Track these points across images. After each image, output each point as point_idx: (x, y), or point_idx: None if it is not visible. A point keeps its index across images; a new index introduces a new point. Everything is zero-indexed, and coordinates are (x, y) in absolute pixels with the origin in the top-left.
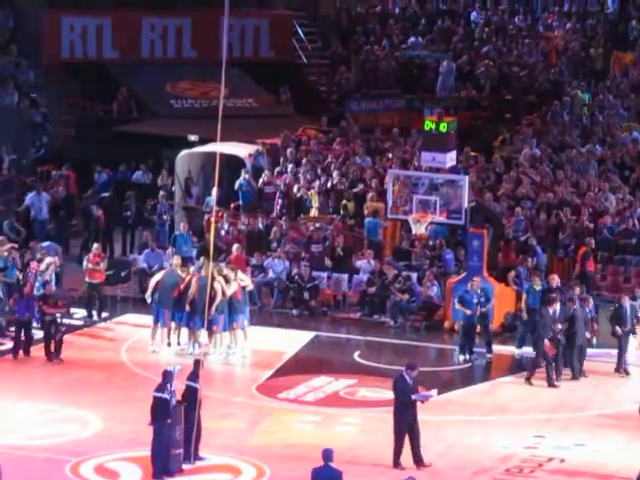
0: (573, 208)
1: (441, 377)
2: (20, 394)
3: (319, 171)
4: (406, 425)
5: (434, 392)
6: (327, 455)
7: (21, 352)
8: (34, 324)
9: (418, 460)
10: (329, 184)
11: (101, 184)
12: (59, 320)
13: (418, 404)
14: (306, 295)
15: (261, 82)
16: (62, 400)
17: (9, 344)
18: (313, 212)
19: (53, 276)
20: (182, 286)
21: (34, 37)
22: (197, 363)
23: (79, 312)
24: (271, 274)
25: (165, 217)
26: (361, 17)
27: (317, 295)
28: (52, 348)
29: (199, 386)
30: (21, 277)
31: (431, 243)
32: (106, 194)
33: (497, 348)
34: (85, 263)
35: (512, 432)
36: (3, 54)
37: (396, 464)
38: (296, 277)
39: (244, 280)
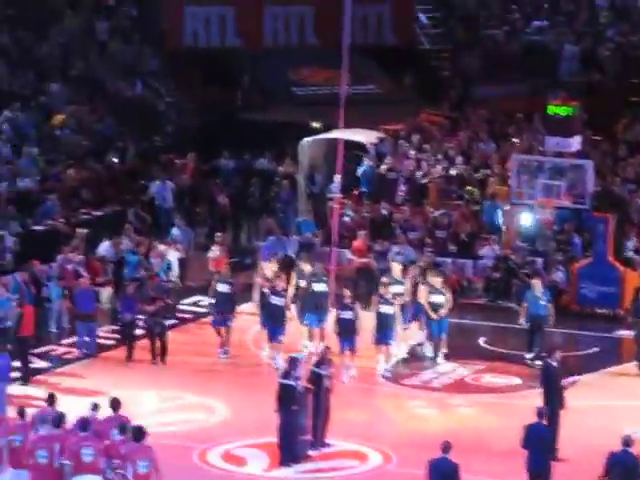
0: None
1: (569, 362)
2: (144, 383)
3: (441, 157)
4: (558, 412)
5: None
6: None
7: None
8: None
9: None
10: (452, 170)
11: (227, 171)
12: (159, 319)
13: None
14: None
15: (383, 68)
16: (187, 388)
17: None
18: (432, 198)
19: (166, 265)
20: None
21: (157, 26)
22: (325, 350)
23: (204, 300)
24: None
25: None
26: (484, 1)
27: None
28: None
29: (327, 373)
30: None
31: (556, 228)
32: (231, 182)
33: (625, 333)
34: (211, 252)
35: None
36: (127, 43)
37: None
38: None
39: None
